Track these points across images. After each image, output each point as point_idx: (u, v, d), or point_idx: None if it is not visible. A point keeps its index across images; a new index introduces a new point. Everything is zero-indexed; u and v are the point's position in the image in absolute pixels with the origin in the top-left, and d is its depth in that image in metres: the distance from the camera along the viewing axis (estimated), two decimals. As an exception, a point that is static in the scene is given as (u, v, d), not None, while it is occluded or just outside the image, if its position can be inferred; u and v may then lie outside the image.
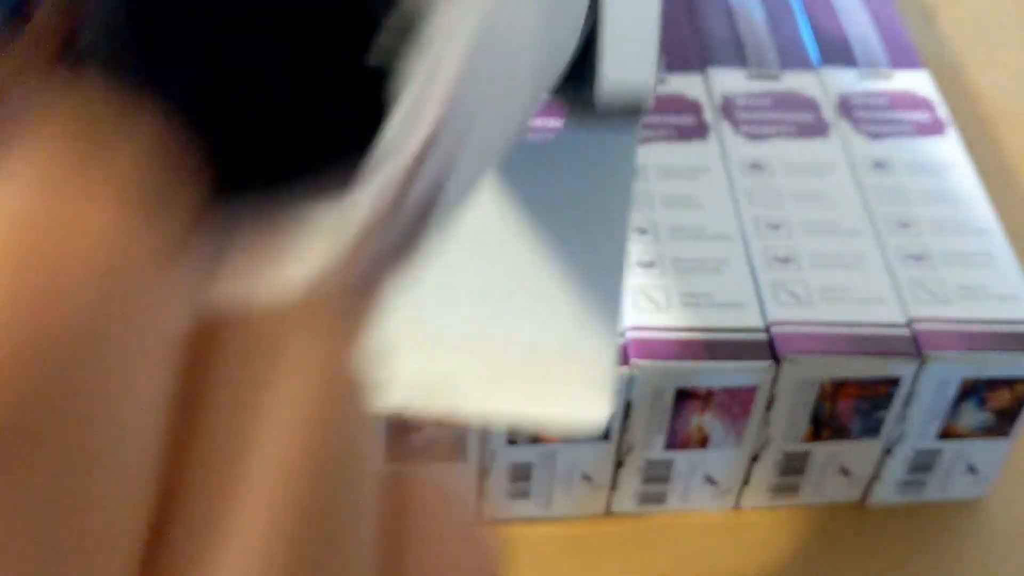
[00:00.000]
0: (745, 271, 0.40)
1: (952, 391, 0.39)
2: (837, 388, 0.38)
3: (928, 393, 0.39)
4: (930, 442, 0.40)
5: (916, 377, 0.38)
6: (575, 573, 0.39)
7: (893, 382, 0.38)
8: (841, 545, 0.41)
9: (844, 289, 0.39)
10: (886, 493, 0.42)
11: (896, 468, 0.41)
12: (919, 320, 0.38)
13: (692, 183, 0.43)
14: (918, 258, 0.41)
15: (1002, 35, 0.64)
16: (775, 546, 0.41)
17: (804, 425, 0.39)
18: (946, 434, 0.40)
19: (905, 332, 0.38)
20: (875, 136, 0.45)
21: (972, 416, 0.40)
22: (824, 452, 0.40)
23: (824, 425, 0.39)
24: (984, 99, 0.59)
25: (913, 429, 0.40)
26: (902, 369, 0.38)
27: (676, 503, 0.41)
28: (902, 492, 0.42)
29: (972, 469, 0.42)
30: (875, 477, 0.42)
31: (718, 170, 0.43)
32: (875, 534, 0.41)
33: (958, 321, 0.38)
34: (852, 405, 0.39)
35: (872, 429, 0.39)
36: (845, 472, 0.41)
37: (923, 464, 0.41)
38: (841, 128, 0.46)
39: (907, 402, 0.39)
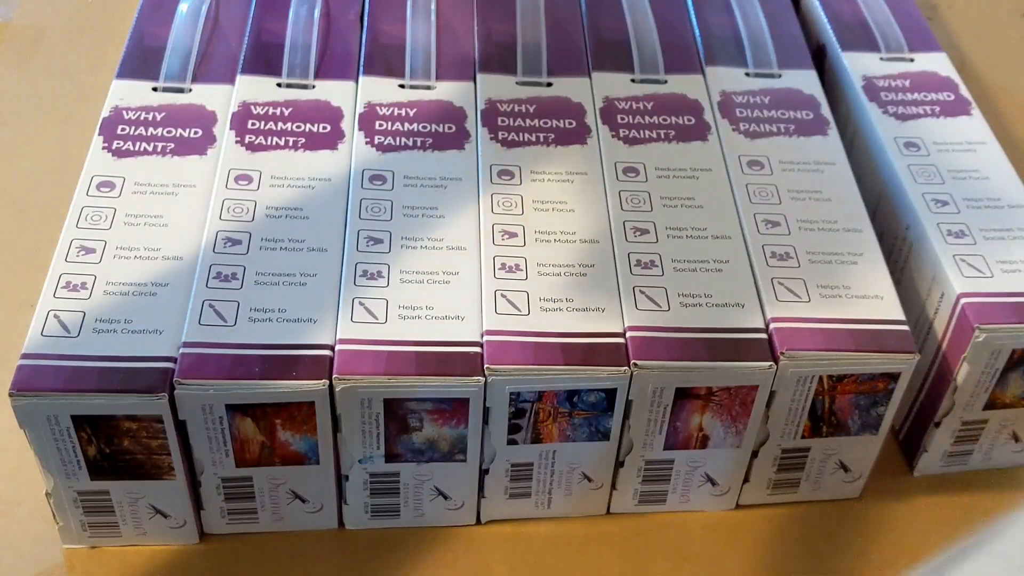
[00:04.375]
0: (745, 271, 0.40)
1: (951, 386, 0.39)
2: (836, 384, 0.38)
3: (926, 388, 0.39)
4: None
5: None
6: (575, 573, 0.39)
7: (892, 378, 0.38)
8: (840, 541, 0.41)
9: (843, 286, 0.39)
10: (889, 489, 0.42)
11: (898, 464, 0.41)
12: (916, 316, 0.38)
13: (692, 183, 0.43)
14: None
15: (1006, 27, 0.64)
16: (775, 545, 0.41)
17: (803, 421, 0.39)
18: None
19: (904, 329, 0.38)
20: (903, 118, 0.45)
21: (972, 411, 0.40)
22: (823, 448, 0.40)
23: (823, 421, 0.39)
24: (990, 89, 0.59)
25: (913, 424, 0.40)
26: (901, 365, 0.38)
27: (676, 503, 0.41)
28: (905, 488, 0.42)
29: (975, 464, 0.42)
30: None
31: (718, 169, 0.44)
32: (874, 530, 0.41)
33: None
34: (851, 401, 0.39)
35: (871, 425, 0.40)
36: (844, 468, 0.41)
37: (925, 459, 0.41)
38: (871, 109, 0.46)
39: (905, 398, 0.39)
